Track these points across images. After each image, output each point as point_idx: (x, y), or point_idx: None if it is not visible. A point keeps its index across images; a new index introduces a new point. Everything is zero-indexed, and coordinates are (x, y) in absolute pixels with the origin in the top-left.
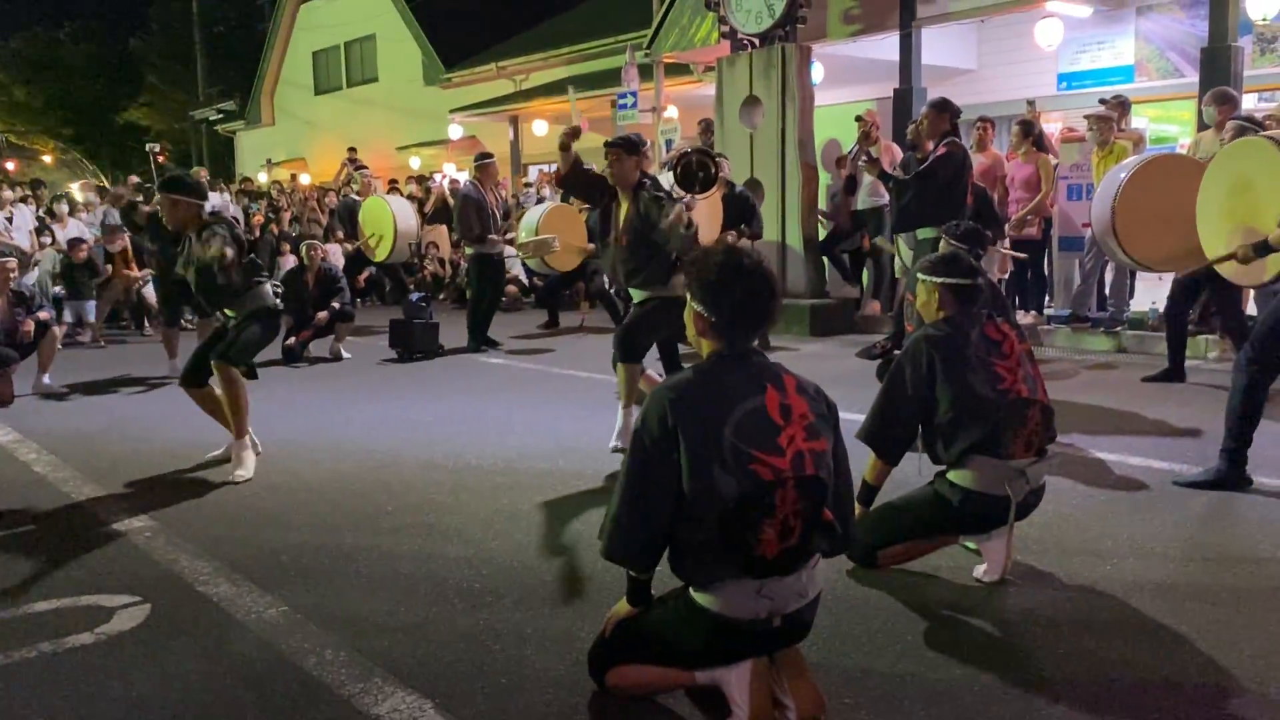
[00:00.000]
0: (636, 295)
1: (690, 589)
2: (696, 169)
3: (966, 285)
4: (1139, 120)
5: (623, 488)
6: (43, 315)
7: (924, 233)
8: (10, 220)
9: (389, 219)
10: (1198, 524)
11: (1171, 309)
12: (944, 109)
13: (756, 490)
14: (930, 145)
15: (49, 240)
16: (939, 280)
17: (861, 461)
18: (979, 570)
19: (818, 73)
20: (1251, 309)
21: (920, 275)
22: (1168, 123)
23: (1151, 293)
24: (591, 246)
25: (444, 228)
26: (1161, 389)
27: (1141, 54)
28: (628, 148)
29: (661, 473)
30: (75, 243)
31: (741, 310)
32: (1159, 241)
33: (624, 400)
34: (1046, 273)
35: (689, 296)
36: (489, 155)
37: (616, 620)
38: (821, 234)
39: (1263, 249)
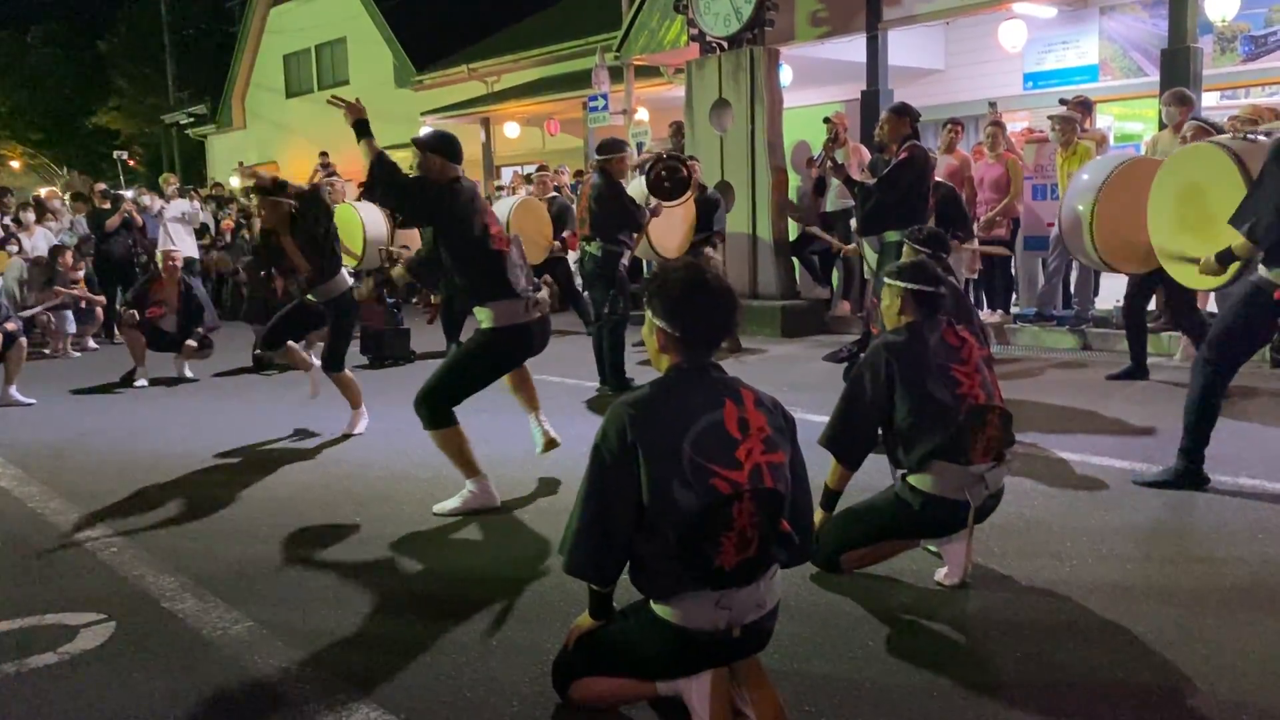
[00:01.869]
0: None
1: (650, 601)
2: (667, 176)
3: (930, 292)
4: (1104, 119)
5: (583, 502)
6: (10, 326)
7: (890, 236)
8: None
9: (358, 227)
10: (1155, 524)
11: (1129, 306)
12: (903, 113)
13: (715, 504)
14: (894, 149)
15: (15, 249)
16: (903, 285)
17: (825, 465)
18: (940, 574)
19: (786, 75)
20: (1213, 306)
21: (885, 279)
22: (1132, 120)
23: (1116, 291)
24: (560, 240)
25: (416, 231)
26: (1125, 386)
27: (1105, 53)
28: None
29: (621, 487)
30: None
31: (703, 325)
32: (1131, 244)
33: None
34: (1013, 272)
35: (649, 312)
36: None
37: (579, 633)
38: (792, 235)
39: (1226, 258)
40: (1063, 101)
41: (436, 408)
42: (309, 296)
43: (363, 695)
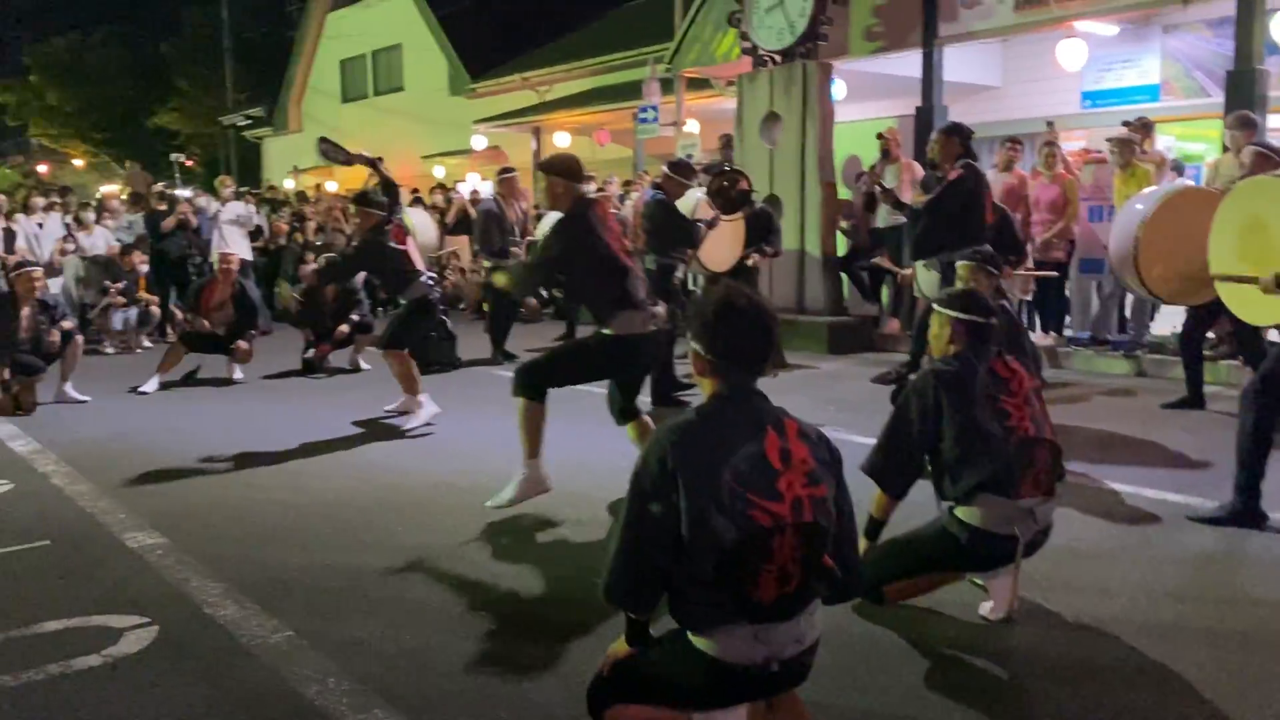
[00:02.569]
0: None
1: (687, 632)
2: (730, 186)
3: (980, 322)
4: (1164, 139)
5: (622, 530)
6: (66, 325)
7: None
8: (41, 227)
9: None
10: (1208, 562)
11: (1186, 336)
12: (953, 133)
13: (754, 536)
14: (947, 168)
15: (72, 248)
16: (953, 314)
17: (870, 490)
18: (985, 608)
19: (839, 89)
20: (1275, 336)
21: (936, 306)
22: (1194, 141)
23: (1173, 317)
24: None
25: (465, 238)
26: (1180, 416)
27: (1167, 73)
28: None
29: (661, 516)
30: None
31: (736, 349)
32: (1178, 275)
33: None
34: (1067, 294)
35: (689, 335)
36: (511, 170)
37: (615, 659)
38: (841, 250)
39: None
40: (1125, 123)
41: (533, 380)
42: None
43: (395, 711)
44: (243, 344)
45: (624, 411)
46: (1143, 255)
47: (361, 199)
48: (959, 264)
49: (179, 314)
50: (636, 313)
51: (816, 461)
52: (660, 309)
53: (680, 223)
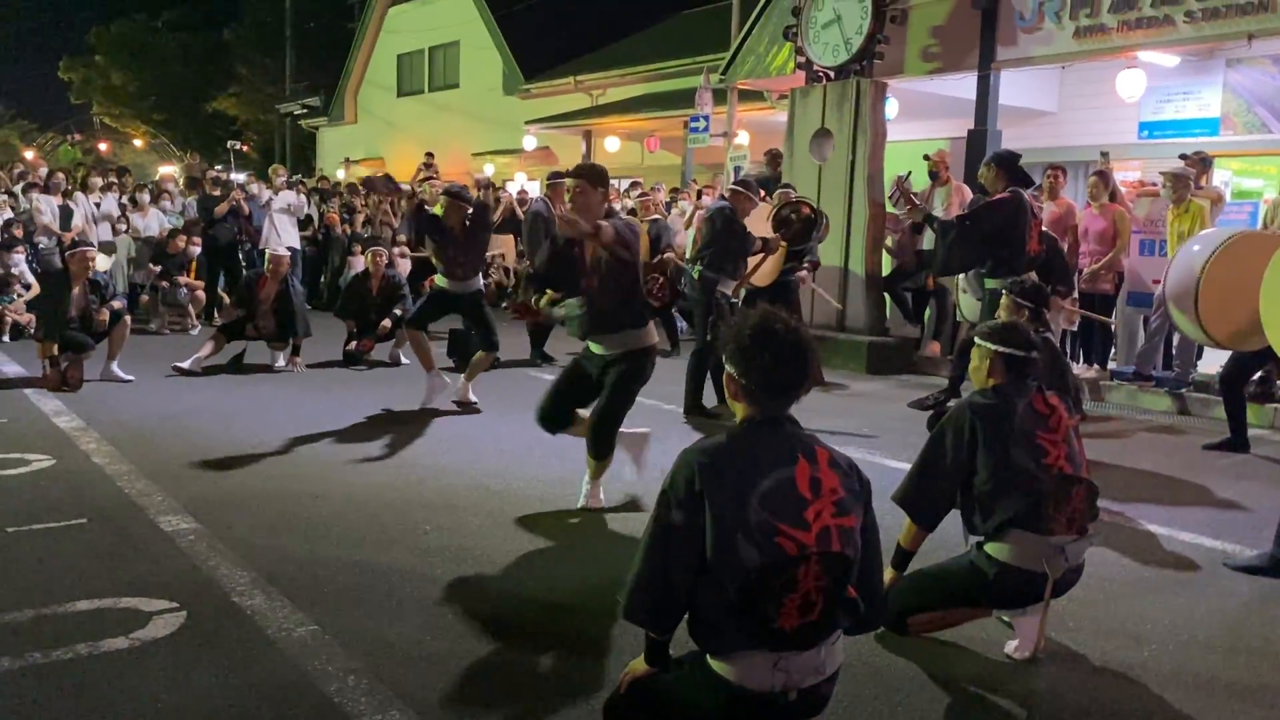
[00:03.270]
0: (598, 349)
1: (707, 655)
2: (798, 219)
3: (1020, 357)
4: (1222, 174)
5: (646, 548)
6: (116, 304)
7: (990, 283)
8: (99, 206)
9: None
10: (1245, 612)
11: (1226, 378)
12: (993, 162)
13: (779, 563)
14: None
15: (124, 228)
16: (993, 347)
17: (900, 520)
18: (1010, 646)
19: (892, 108)
20: None
21: (976, 339)
22: (1252, 177)
23: (1220, 355)
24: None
25: (511, 237)
26: (1222, 458)
27: (1228, 107)
28: (592, 178)
29: (685, 537)
30: (175, 232)
31: (770, 377)
32: (1238, 320)
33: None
34: (1112, 327)
35: (724, 357)
36: (560, 175)
37: (633, 678)
38: (886, 270)
39: None
40: (1182, 156)
41: (606, 438)
42: (446, 287)
43: (415, 715)
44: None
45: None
46: (1203, 297)
47: (455, 194)
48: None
49: (226, 299)
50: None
51: (846, 491)
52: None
53: (741, 237)
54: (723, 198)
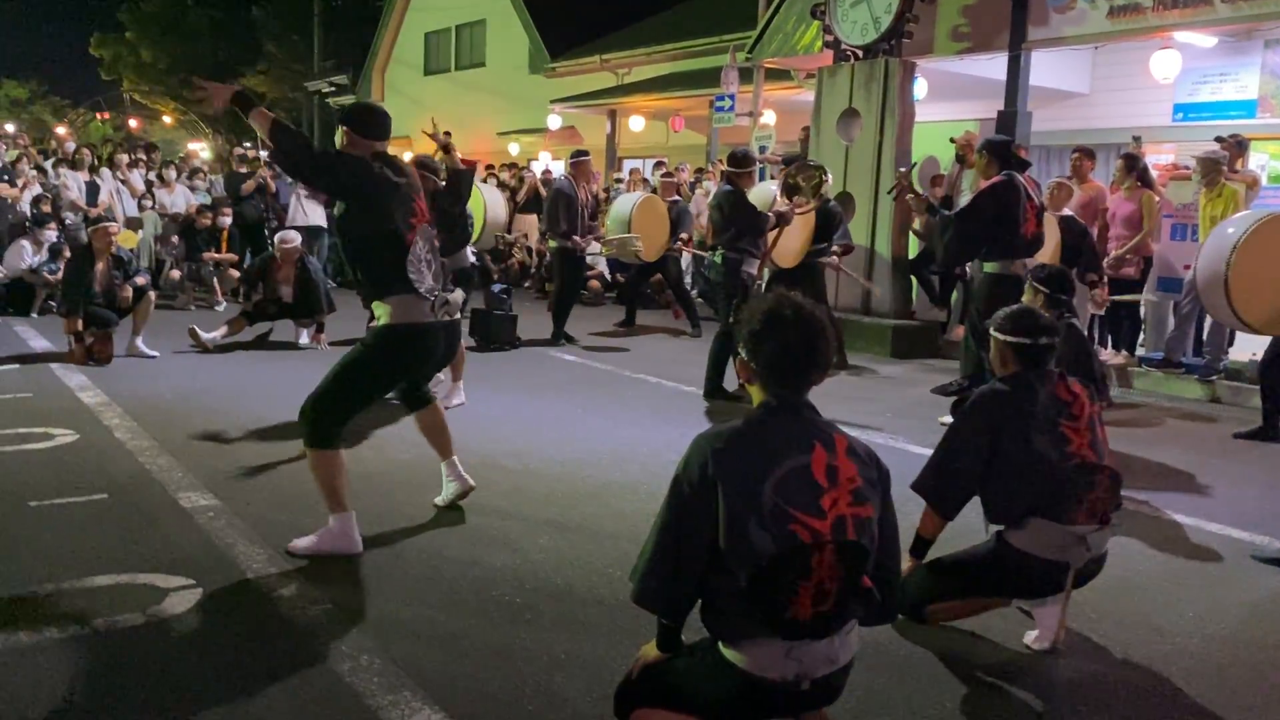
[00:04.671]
0: None
1: (719, 642)
2: (805, 180)
3: (1033, 345)
4: (1258, 157)
5: (657, 532)
6: (140, 280)
7: (988, 267)
8: (125, 183)
9: (480, 207)
10: (1272, 606)
11: (1266, 364)
12: (983, 150)
13: (792, 551)
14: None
15: (149, 204)
16: (1004, 337)
17: (920, 506)
18: (1030, 636)
19: (921, 88)
20: None
21: (992, 330)
22: None
23: (1252, 343)
24: (680, 240)
25: (534, 217)
26: (1253, 448)
27: (1266, 89)
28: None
29: (698, 523)
30: (203, 209)
31: (779, 362)
32: (1272, 304)
33: None
34: (1141, 313)
35: (739, 340)
36: (585, 153)
37: (645, 663)
38: (912, 252)
39: None
40: (1218, 138)
41: (319, 423)
42: None
43: (425, 696)
44: (314, 321)
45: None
46: (1234, 280)
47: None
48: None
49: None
50: (418, 299)
51: (864, 480)
52: (455, 297)
53: (752, 214)
54: (725, 180)
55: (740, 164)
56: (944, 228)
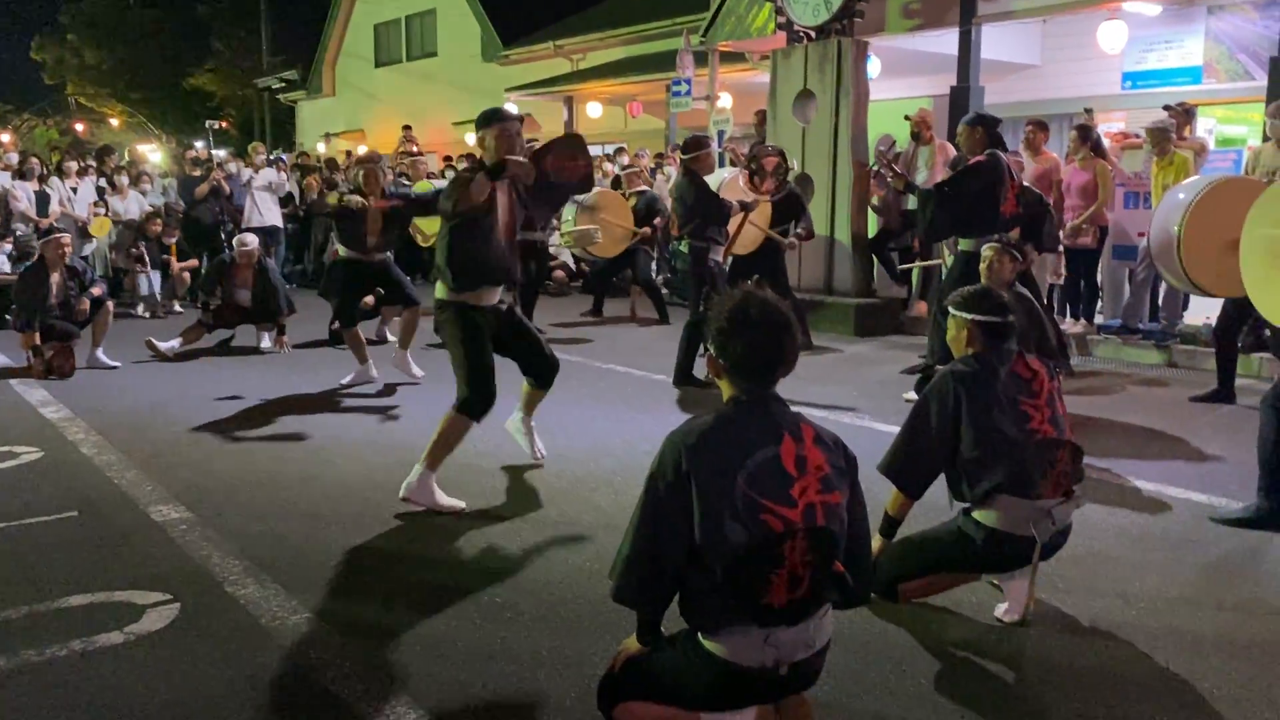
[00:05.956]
0: None
1: (698, 634)
2: (770, 166)
3: (996, 323)
4: (1206, 122)
5: (634, 529)
6: (96, 291)
7: (963, 245)
8: (75, 192)
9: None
10: (1231, 567)
11: (1222, 328)
12: (977, 123)
13: (766, 540)
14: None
15: (102, 211)
16: (968, 316)
17: (888, 487)
18: (1000, 609)
19: (874, 66)
20: None
21: (951, 309)
22: (1236, 124)
23: (1206, 307)
24: (645, 230)
25: None
26: (1209, 410)
27: (1211, 55)
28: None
29: (674, 519)
30: (151, 217)
31: (746, 358)
32: (1221, 267)
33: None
34: (1098, 281)
35: (707, 338)
36: (536, 141)
37: (626, 656)
38: (872, 231)
39: None
40: (1166, 107)
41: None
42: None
43: (410, 700)
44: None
45: None
46: (1185, 245)
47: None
48: (984, 248)
49: (203, 311)
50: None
51: (832, 468)
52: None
53: (714, 200)
54: (683, 171)
55: (693, 149)
56: (924, 205)
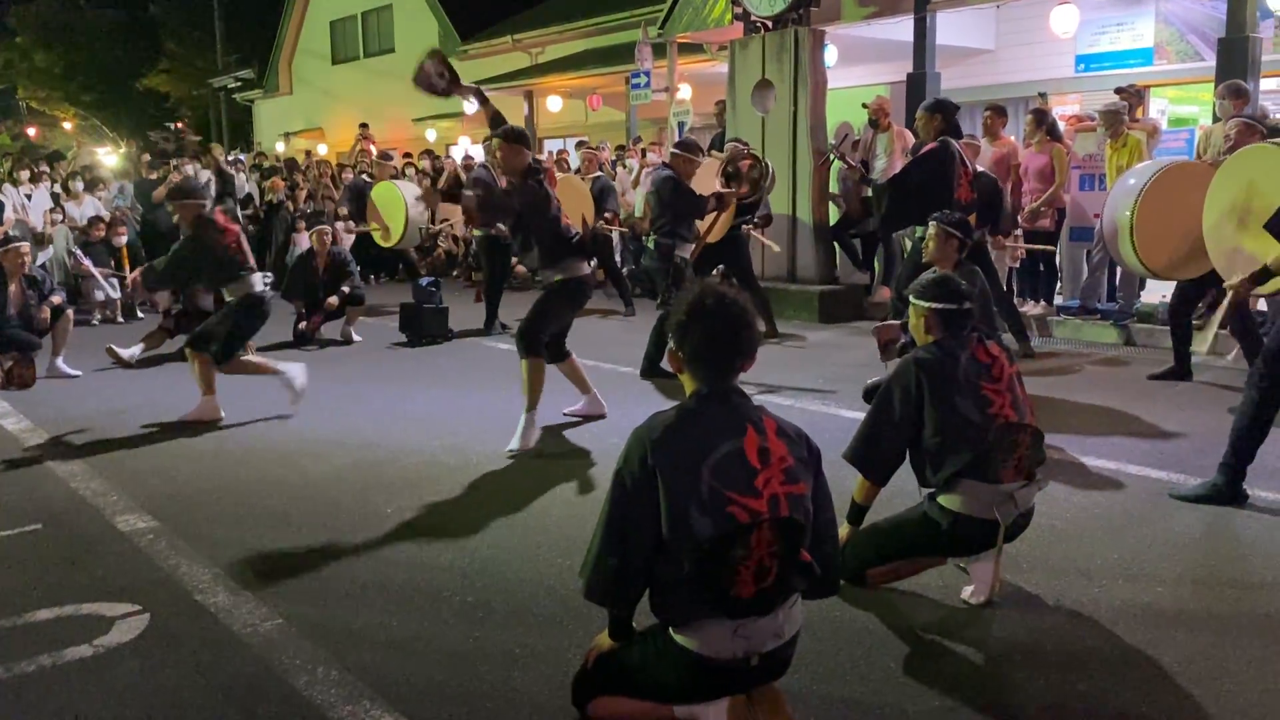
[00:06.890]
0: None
1: (669, 627)
2: (748, 170)
3: (954, 310)
4: (1158, 103)
5: (603, 527)
6: (56, 300)
7: (920, 232)
8: (30, 199)
9: (401, 205)
10: (1190, 543)
11: (1174, 308)
12: (935, 110)
13: (732, 532)
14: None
15: (60, 218)
16: (927, 305)
17: (854, 475)
18: (966, 592)
19: (831, 55)
20: (1263, 305)
21: (911, 298)
22: (1187, 104)
23: (1162, 286)
24: (608, 217)
25: (458, 206)
26: (1166, 388)
27: (1161, 36)
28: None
29: (641, 513)
30: (95, 221)
31: (705, 352)
32: (1174, 251)
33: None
34: (1057, 263)
35: (669, 333)
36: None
37: (598, 653)
38: (833, 219)
39: (1262, 276)
40: (1117, 90)
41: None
42: None
43: (383, 702)
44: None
45: (558, 352)
46: (1137, 230)
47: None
48: (928, 226)
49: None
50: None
51: (795, 459)
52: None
53: (690, 200)
54: (665, 164)
55: (687, 150)
56: (877, 199)
